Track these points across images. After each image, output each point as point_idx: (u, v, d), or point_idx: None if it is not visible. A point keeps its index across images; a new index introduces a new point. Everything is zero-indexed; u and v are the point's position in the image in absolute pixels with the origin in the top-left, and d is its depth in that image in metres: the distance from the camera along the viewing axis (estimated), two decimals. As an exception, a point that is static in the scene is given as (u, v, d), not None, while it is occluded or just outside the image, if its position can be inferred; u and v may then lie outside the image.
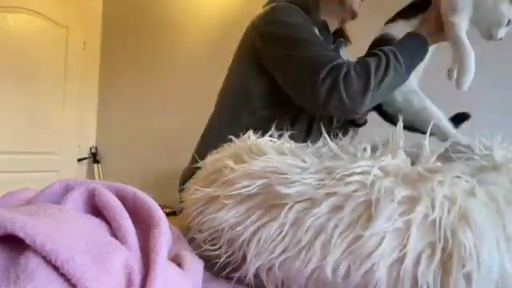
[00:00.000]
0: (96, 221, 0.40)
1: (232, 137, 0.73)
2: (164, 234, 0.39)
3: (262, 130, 0.71)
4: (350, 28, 1.16)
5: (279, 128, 0.74)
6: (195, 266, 0.48)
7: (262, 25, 0.94)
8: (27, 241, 0.30)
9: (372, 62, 0.82)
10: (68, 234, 0.33)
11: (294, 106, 0.92)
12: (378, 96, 0.83)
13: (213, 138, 0.88)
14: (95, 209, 0.43)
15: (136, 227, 0.40)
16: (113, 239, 0.37)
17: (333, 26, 1.07)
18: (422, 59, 0.86)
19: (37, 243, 0.30)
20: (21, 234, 0.30)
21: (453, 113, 1.16)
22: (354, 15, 1.05)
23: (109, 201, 0.41)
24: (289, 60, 0.87)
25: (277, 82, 0.92)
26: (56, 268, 0.30)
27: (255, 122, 0.91)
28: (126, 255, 0.35)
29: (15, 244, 0.32)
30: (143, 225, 0.41)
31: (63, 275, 0.30)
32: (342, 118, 1.03)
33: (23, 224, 0.31)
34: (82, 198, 0.43)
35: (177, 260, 0.47)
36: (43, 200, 0.43)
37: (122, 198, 0.44)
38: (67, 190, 0.44)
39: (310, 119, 0.99)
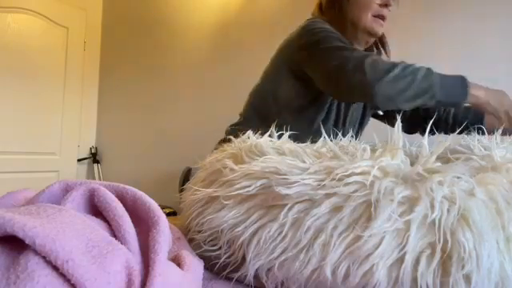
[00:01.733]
0: (96, 221, 0.40)
1: (231, 137, 0.73)
2: (163, 233, 0.39)
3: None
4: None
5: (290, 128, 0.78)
6: (195, 266, 0.48)
7: (298, 36, 1.01)
8: (27, 241, 0.30)
9: (404, 63, 0.86)
10: (68, 234, 0.33)
11: (311, 111, 1.02)
12: (398, 88, 0.83)
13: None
14: (95, 209, 0.43)
15: (136, 227, 0.40)
16: (113, 239, 0.37)
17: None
18: (456, 101, 0.87)
19: (36, 244, 0.30)
20: (20, 235, 0.30)
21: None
22: (372, 33, 1.06)
23: (108, 201, 0.41)
24: (321, 54, 0.93)
25: (302, 88, 1.01)
26: (56, 268, 0.30)
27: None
28: (127, 255, 0.35)
29: (15, 244, 0.32)
30: (143, 225, 0.41)
31: (63, 275, 0.30)
32: (362, 102, 1.08)
33: (22, 224, 0.31)
34: (82, 198, 0.43)
35: (177, 260, 0.47)
36: (43, 200, 0.43)
37: (122, 198, 0.44)
38: (67, 190, 0.44)
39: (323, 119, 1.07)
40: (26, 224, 0.31)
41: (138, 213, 0.43)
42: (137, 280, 0.35)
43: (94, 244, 0.34)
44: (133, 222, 0.41)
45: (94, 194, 0.42)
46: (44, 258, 0.30)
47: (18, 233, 0.30)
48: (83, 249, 0.33)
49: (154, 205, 0.43)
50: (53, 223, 0.33)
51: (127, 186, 0.46)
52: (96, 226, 0.38)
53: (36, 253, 0.30)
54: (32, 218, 0.33)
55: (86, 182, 0.45)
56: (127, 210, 0.42)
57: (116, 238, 0.38)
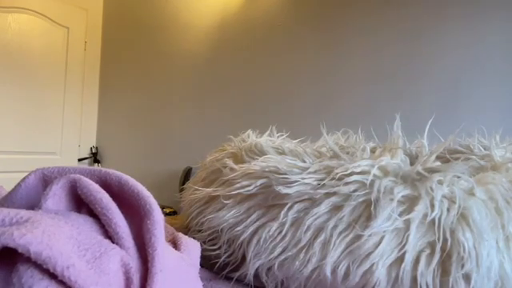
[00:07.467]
0: (82, 219, 0.37)
1: (231, 136, 0.73)
2: (158, 224, 0.37)
3: None
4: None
5: None
6: (192, 246, 0.47)
7: None
8: (20, 250, 0.27)
9: None
10: (59, 238, 0.30)
11: None
12: None
13: None
14: (78, 201, 0.39)
15: (126, 216, 0.38)
16: (102, 239, 0.35)
17: None
18: None
19: (31, 252, 0.27)
20: (11, 245, 0.27)
21: (454, 112, 1.16)
22: None
23: (93, 193, 0.38)
24: None
25: None
26: (54, 276, 0.27)
27: None
28: (121, 254, 0.34)
29: (10, 261, 0.29)
30: (134, 214, 0.39)
31: (61, 282, 0.28)
32: None
33: (10, 234, 0.27)
34: (64, 191, 0.39)
35: (173, 241, 0.46)
36: (21, 196, 0.40)
37: (107, 186, 0.40)
38: (45, 180, 0.41)
39: None
40: (13, 233, 0.27)
41: (126, 200, 0.39)
42: (135, 277, 0.34)
43: (86, 246, 0.32)
44: (122, 210, 0.38)
45: (75, 186, 0.39)
46: (38, 266, 0.27)
47: (7, 244, 0.27)
48: (77, 252, 0.31)
49: (142, 190, 0.40)
50: (39, 228, 0.30)
51: (110, 170, 0.42)
52: (83, 226, 0.36)
53: (27, 264, 0.27)
54: (15, 225, 0.30)
55: (64, 170, 0.41)
56: (114, 197, 0.39)
57: (107, 234, 0.36)
